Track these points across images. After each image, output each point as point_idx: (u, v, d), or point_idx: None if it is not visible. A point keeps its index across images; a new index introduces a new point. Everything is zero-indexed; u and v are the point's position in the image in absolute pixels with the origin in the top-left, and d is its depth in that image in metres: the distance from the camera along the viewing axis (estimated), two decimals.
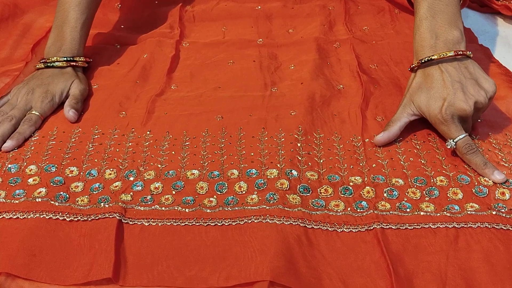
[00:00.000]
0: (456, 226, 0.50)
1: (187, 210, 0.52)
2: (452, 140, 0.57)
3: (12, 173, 0.57)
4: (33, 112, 0.65)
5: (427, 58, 0.60)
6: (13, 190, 0.55)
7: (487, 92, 0.58)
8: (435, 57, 0.59)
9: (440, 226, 0.50)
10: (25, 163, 0.58)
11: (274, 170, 0.57)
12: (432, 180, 0.56)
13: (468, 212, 0.52)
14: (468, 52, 0.60)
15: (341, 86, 0.72)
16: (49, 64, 0.71)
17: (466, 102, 0.57)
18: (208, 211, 0.52)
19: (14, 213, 0.51)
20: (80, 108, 0.67)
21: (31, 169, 0.58)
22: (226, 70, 0.76)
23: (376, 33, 0.85)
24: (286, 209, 0.51)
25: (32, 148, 0.61)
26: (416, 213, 0.52)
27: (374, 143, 0.60)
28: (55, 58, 0.71)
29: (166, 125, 0.64)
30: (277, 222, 0.50)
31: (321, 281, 0.45)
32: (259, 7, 0.92)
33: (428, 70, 0.60)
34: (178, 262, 0.47)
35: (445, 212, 0.52)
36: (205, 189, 0.55)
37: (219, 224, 0.51)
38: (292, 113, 0.66)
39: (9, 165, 0.58)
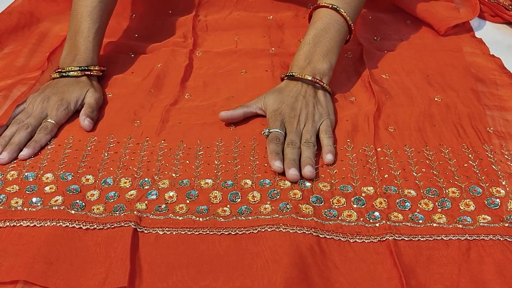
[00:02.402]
0: (468, 238, 0.50)
1: (201, 219, 0.53)
2: (268, 130, 0.63)
3: (29, 181, 0.58)
4: (48, 120, 0.66)
5: (290, 73, 0.69)
6: (30, 198, 0.56)
7: (317, 117, 0.64)
8: (296, 74, 0.68)
9: (453, 238, 0.50)
10: (41, 171, 0.59)
11: (287, 180, 0.57)
12: (444, 192, 0.56)
13: (481, 224, 0.52)
14: (325, 85, 0.68)
15: (353, 98, 0.72)
16: (64, 73, 0.72)
17: (292, 110, 0.64)
18: (222, 220, 0.53)
19: (31, 221, 0.52)
20: (95, 117, 0.68)
21: (48, 177, 0.58)
22: (239, 79, 0.77)
23: (388, 43, 0.85)
24: (299, 218, 0.52)
25: (49, 156, 0.62)
26: (429, 224, 0.52)
27: (219, 117, 0.66)
28: (70, 67, 0.72)
29: (180, 134, 0.65)
30: (290, 231, 0.50)
31: None
32: (271, 16, 0.92)
33: (289, 82, 0.69)
34: (192, 272, 0.48)
35: (457, 224, 0.52)
36: (219, 198, 0.56)
37: (232, 233, 0.51)
38: None
39: (26, 173, 0.59)
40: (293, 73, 0.68)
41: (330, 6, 0.70)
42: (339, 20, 0.70)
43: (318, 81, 0.67)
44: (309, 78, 0.67)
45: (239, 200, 0.55)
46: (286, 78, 0.69)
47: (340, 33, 0.70)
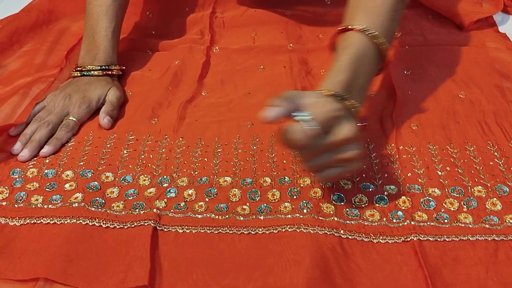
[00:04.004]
0: (495, 238, 0.49)
1: (220, 217, 0.52)
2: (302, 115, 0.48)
3: (49, 178, 0.58)
4: (70, 118, 0.66)
5: (339, 93, 0.50)
6: (50, 196, 0.56)
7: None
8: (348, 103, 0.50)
9: (479, 238, 0.49)
10: (61, 169, 0.59)
11: (307, 178, 0.56)
12: (470, 191, 0.54)
13: (508, 224, 0.50)
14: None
15: (373, 93, 0.71)
16: (85, 73, 0.72)
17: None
18: (241, 219, 0.52)
19: (51, 218, 0.52)
20: (116, 115, 0.68)
21: (68, 175, 0.58)
22: (257, 76, 0.76)
23: (409, 38, 0.84)
24: (320, 218, 0.51)
25: (68, 153, 0.62)
26: (454, 224, 0.50)
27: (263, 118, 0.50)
28: (91, 66, 0.72)
29: (198, 131, 0.65)
30: (311, 231, 0.49)
31: None
32: (289, 12, 0.91)
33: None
34: (213, 271, 0.47)
35: (484, 224, 0.50)
36: (238, 196, 0.55)
37: (252, 233, 0.50)
38: None
39: (46, 171, 0.59)
40: (342, 95, 0.50)
41: (360, 29, 0.54)
42: (371, 47, 0.54)
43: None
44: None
45: (258, 198, 0.55)
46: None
47: (373, 65, 0.55)
